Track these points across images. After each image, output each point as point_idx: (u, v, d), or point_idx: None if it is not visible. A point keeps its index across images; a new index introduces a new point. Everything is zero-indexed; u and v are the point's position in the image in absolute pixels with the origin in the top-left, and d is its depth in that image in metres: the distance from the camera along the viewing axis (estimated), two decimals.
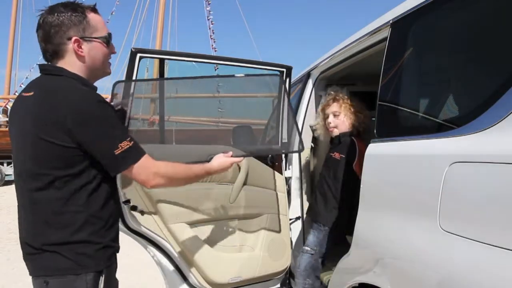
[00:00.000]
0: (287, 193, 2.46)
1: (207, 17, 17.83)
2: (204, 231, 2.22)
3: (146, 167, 1.27)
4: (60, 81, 1.24)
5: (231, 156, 1.64)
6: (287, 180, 2.51)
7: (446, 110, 1.23)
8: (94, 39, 1.30)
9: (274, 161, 2.43)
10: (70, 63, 1.28)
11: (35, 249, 1.22)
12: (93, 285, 1.24)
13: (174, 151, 2.31)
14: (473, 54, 1.18)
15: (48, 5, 1.30)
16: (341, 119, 2.07)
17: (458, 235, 0.98)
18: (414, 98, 1.45)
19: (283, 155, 2.50)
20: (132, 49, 2.00)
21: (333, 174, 2.12)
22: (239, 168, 2.28)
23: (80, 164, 1.21)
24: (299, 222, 2.54)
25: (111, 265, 1.33)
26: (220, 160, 1.62)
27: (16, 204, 1.31)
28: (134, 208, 2.04)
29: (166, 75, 2.24)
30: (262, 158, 2.38)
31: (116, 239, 1.36)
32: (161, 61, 2.19)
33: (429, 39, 1.37)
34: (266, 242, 2.35)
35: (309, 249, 2.03)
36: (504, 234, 0.87)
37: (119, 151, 1.20)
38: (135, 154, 1.25)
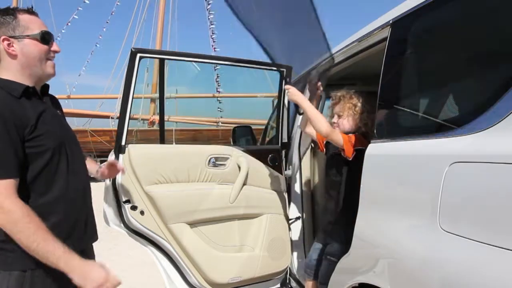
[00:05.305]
0: (287, 193, 2.46)
1: (208, 17, 17.85)
2: (204, 231, 2.22)
3: None
4: None
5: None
6: (287, 180, 2.51)
7: (446, 110, 1.23)
8: (26, 37, 1.30)
9: (274, 161, 2.43)
10: (5, 65, 1.30)
11: None
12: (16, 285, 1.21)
13: (174, 150, 2.31)
14: (473, 54, 1.18)
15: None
16: (343, 119, 2.04)
17: (458, 235, 0.98)
18: (414, 98, 1.44)
19: (283, 155, 2.50)
20: (132, 49, 2.01)
21: (337, 172, 2.06)
22: (239, 168, 2.28)
23: None
24: (299, 222, 2.54)
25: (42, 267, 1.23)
26: (91, 273, 1.22)
27: None
28: (134, 208, 2.05)
29: (166, 75, 2.24)
30: (262, 158, 2.38)
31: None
32: (161, 61, 2.20)
33: (429, 39, 1.37)
34: (266, 242, 2.35)
35: (335, 260, 1.93)
36: (504, 234, 0.87)
37: None
38: None
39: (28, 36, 1.30)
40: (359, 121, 1.99)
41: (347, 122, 2.01)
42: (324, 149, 2.18)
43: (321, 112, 2.66)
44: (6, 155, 1.18)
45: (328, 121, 2.21)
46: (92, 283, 1.21)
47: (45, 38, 1.34)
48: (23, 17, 1.31)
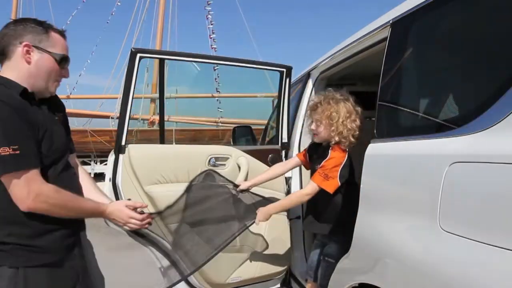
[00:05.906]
0: (287, 193, 2.46)
1: (207, 16, 17.82)
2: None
3: (22, 183, 1.16)
4: None
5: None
6: (287, 180, 2.50)
7: (446, 110, 1.23)
8: (47, 52, 1.34)
9: (274, 161, 2.43)
10: (13, 65, 1.32)
11: None
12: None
13: (174, 150, 2.31)
14: (473, 54, 1.18)
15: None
16: (321, 127, 1.97)
17: (458, 235, 0.98)
18: (414, 98, 1.45)
19: (283, 155, 2.50)
20: (132, 49, 2.00)
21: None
22: (239, 168, 2.28)
23: None
24: (299, 222, 2.54)
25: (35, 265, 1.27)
26: (119, 211, 1.51)
27: None
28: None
29: (166, 75, 2.25)
30: (262, 158, 2.38)
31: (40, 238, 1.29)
32: (161, 61, 2.20)
33: (429, 39, 1.37)
34: (266, 242, 2.35)
35: (333, 261, 1.92)
36: (504, 234, 0.86)
37: None
38: (11, 164, 1.15)
39: (50, 52, 1.34)
40: (333, 131, 1.93)
41: (324, 130, 1.96)
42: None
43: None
44: (26, 144, 1.20)
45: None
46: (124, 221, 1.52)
47: (63, 61, 1.38)
48: (54, 35, 1.37)
